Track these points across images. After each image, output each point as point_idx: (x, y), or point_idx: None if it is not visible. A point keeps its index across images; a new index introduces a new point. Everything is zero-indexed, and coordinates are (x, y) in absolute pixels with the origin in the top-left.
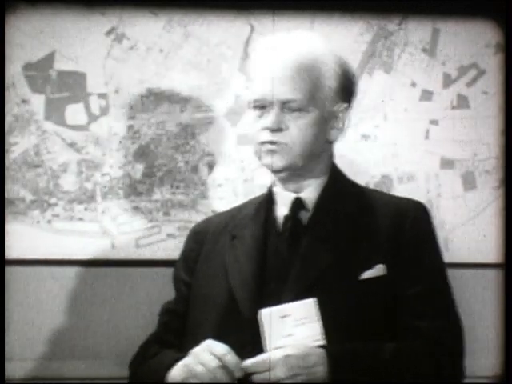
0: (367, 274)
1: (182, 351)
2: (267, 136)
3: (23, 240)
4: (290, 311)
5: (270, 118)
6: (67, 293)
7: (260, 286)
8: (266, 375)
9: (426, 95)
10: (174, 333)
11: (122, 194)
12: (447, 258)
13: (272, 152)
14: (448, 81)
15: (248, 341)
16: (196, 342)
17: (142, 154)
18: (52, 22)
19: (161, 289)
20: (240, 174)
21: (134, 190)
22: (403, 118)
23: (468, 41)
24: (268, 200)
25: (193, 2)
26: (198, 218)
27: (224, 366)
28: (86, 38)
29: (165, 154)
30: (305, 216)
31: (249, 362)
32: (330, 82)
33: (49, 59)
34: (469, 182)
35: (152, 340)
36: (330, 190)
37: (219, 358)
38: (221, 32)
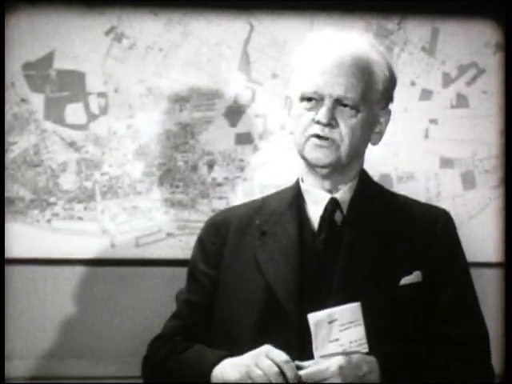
0: (406, 280)
1: (212, 346)
2: (317, 129)
3: (23, 239)
4: (336, 315)
5: (322, 112)
6: (67, 292)
7: (302, 288)
8: None
9: (426, 94)
10: (198, 326)
11: (122, 194)
12: None
13: (320, 146)
14: (447, 80)
15: (293, 343)
16: (233, 340)
17: (141, 153)
18: (52, 22)
19: (160, 288)
20: (239, 173)
21: (133, 189)
22: (403, 118)
23: (467, 40)
24: (298, 197)
25: (192, 2)
26: (197, 217)
27: (282, 374)
28: (86, 37)
29: (164, 153)
30: (339, 217)
31: (305, 372)
32: (380, 84)
33: (48, 58)
34: (468, 181)
35: (173, 333)
36: (362, 193)
37: (278, 365)
38: (220, 31)
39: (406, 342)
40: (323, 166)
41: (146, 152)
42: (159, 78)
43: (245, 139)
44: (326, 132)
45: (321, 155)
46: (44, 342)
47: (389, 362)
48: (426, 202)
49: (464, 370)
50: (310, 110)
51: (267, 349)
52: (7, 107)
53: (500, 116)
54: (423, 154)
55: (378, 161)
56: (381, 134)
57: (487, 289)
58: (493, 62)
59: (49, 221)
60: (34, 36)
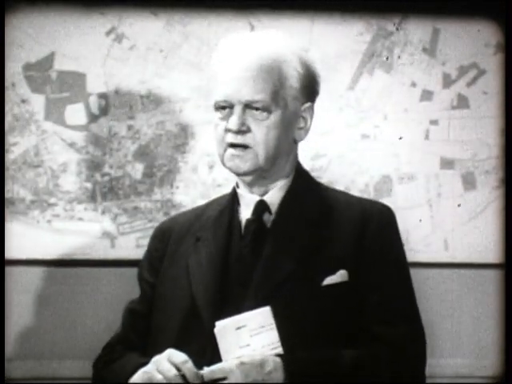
0: (329, 280)
1: (146, 354)
2: (230, 138)
3: (23, 240)
4: (245, 321)
5: (232, 120)
6: (67, 293)
7: (222, 292)
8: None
9: (426, 95)
10: (138, 334)
11: (122, 194)
12: (447, 258)
13: (236, 155)
14: (448, 81)
15: (208, 348)
16: (158, 346)
17: (141, 153)
18: (52, 22)
19: None
20: None
21: (133, 189)
22: (403, 118)
23: (468, 41)
24: (232, 202)
25: (193, 2)
26: None
27: (182, 376)
28: (86, 38)
29: (165, 154)
30: (268, 219)
31: (206, 370)
32: (293, 81)
33: (49, 59)
34: (469, 182)
35: (115, 341)
36: (293, 193)
37: (177, 367)
38: (221, 32)
39: (330, 343)
40: (244, 174)
41: (146, 153)
42: (160, 79)
43: None
44: (239, 139)
45: (238, 163)
46: (44, 343)
47: (295, 362)
48: (369, 199)
49: (386, 372)
50: (223, 119)
51: (169, 352)
52: (7, 108)
53: (500, 117)
54: (424, 154)
55: (378, 161)
56: (305, 129)
57: (487, 289)
58: (493, 63)
59: (49, 221)
60: (34, 37)
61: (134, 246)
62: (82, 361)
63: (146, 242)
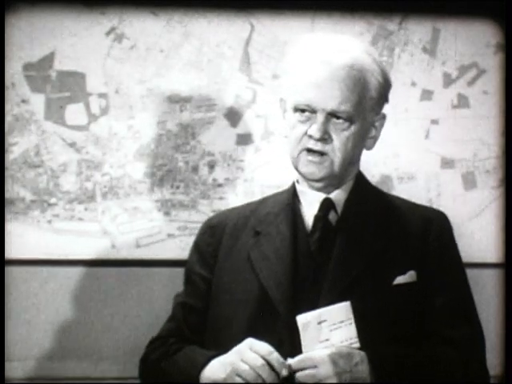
0: (400, 280)
1: (205, 347)
2: (310, 144)
3: (23, 240)
4: (326, 316)
5: (315, 127)
6: (67, 293)
7: (294, 287)
8: (312, 372)
9: (427, 95)
10: (192, 328)
11: (122, 194)
12: None
13: (313, 162)
14: (448, 80)
15: (286, 340)
16: (224, 338)
17: (142, 153)
18: (52, 22)
19: (161, 289)
20: (240, 173)
21: (134, 189)
22: (404, 118)
23: (468, 40)
24: (293, 198)
25: (193, 2)
26: (198, 217)
27: (269, 365)
28: (86, 37)
29: (165, 153)
30: (333, 217)
31: (294, 359)
32: (373, 92)
33: (49, 59)
34: (469, 181)
35: (168, 335)
36: (357, 193)
37: (263, 357)
38: (221, 32)
39: (399, 341)
40: (317, 180)
41: (146, 153)
42: (160, 79)
43: (245, 140)
44: (318, 146)
45: (314, 170)
46: (44, 343)
47: (380, 357)
48: (423, 204)
49: (458, 371)
50: (303, 122)
51: (250, 342)
52: (8, 108)
53: (501, 116)
54: (424, 154)
55: (378, 161)
56: (375, 138)
57: (487, 289)
58: (493, 63)
59: (49, 221)
60: (34, 36)
61: (133, 246)
62: (82, 361)
63: (146, 241)
